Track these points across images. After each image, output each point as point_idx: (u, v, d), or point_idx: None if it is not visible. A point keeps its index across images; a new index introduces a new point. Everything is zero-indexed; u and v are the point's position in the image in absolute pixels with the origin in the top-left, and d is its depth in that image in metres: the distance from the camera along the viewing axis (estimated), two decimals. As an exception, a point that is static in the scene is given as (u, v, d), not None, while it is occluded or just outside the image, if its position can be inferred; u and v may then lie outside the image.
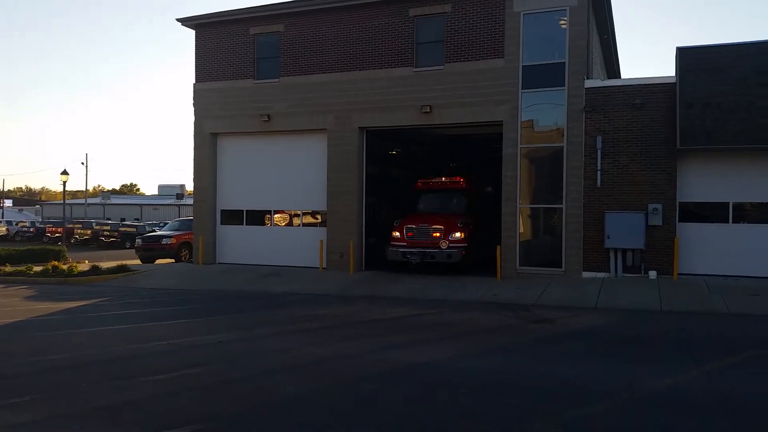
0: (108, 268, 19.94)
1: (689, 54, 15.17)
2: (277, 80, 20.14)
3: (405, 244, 17.28)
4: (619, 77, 25.60)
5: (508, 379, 7.24)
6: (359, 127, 18.88)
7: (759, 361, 8.06)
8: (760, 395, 6.48)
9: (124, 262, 21.57)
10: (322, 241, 19.27)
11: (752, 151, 15.02)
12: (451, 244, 16.79)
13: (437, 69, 17.82)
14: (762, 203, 15.40)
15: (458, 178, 18.83)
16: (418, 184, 19.30)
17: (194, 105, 21.64)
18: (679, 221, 15.64)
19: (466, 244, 16.99)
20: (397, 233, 17.55)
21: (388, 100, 18.35)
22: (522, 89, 16.82)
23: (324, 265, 19.13)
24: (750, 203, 15.53)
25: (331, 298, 14.79)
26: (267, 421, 5.78)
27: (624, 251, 15.86)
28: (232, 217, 21.46)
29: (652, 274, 15.46)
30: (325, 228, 19.55)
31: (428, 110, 17.66)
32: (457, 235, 16.93)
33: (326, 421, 5.77)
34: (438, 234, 16.94)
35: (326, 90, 19.23)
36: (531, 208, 17.04)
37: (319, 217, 20.25)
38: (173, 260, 24.57)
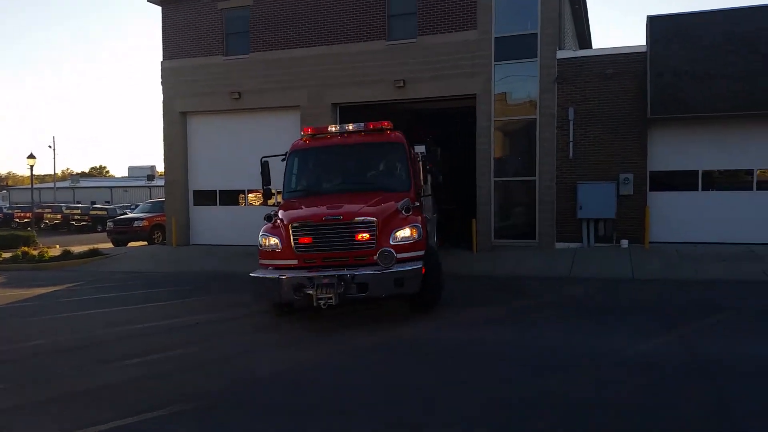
0: (79, 253, 19.57)
1: (659, 22, 15.26)
2: (247, 56, 19.75)
3: (295, 261, 8.48)
4: (591, 47, 25.68)
5: (489, 348, 7.34)
6: (332, 103, 18.66)
7: (729, 324, 8.28)
8: (734, 355, 6.67)
9: (95, 246, 21.18)
10: (297, 220, 19.11)
11: (721, 119, 15.26)
12: (397, 254, 8.24)
13: (410, 42, 17.64)
14: (730, 170, 15.73)
15: (384, 124, 10.14)
16: (301, 142, 10.42)
17: (162, 84, 21.15)
18: (650, 190, 15.89)
19: (423, 251, 8.70)
20: (274, 239, 8.58)
21: (360, 75, 18.15)
22: (495, 61, 16.77)
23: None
24: (718, 171, 15.84)
25: None
26: (246, 401, 5.77)
27: (596, 221, 16.10)
28: (206, 197, 21.18)
29: (624, 243, 15.74)
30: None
31: (402, 84, 17.52)
32: (406, 233, 8.47)
33: (312, 400, 5.79)
34: (366, 234, 8.32)
35: (298, 65, 18.93)
36: (505, 181, 17.13)
37: (297, 196, 20.00)
38: (146, 243, 24.23)
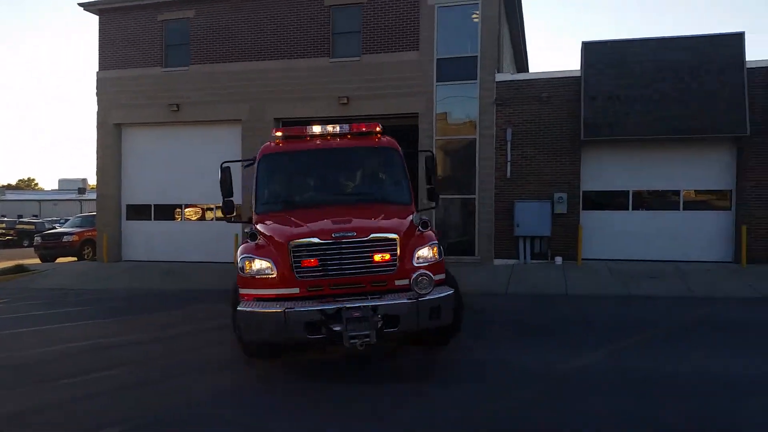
0: (4, 269, 18.50)
1: (593, 48, 15.95)
2: (187, 68, 19.39)
3: (295, 289, 6.72)
4: (528, 71, 26.57)
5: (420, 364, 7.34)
6: (275, 118, 18.52)
7: (656, 340, 8.57)
8: (662, 370, 6.86)
9: (21, 262, 20.13)
10: (237, 236, 18.77)
11: (649, 142, 16.02)
12: (422, 279, 6.57)
13: (354, 60, 17.77)
14: (658, 191, 16.50)
15: (374, 127, 8.56)
16: (273, 146, 8.50)
17: (98, 94, 20.48)
18: (583, 209, 16.47)
19: (444, 274, 7.22)
20: (264, 262, 6.84)
21: (304, 91, 18.11)
22: (437, 82, 17.10)
23: (240, 260, 18.59)
24: (647, 191, 16.59)
25: None
26: (187, 422, 5.57)
27: (532, 239, 16.53)
28: (139, 212, 20.51)
29: (558, 260, 16.21)
30: (240, 222, 19.00)
31: (345, 102, 17.59)
32: (428, 253, 7.00)
33: (241, 420, 5.62)
34: (386, 254, 6.81)
35: (240, 79, 18.72)
36: (446, 198, 17.38)
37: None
38: (76, 259, 23.17)
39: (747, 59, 14.91)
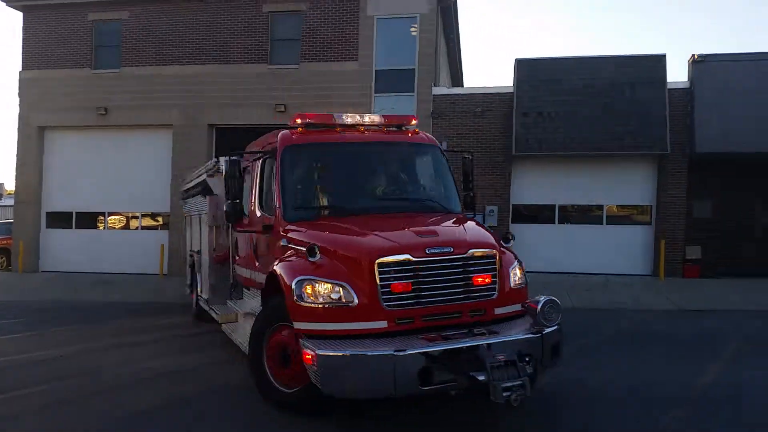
0: None
1: (526, 65, 16.52)
2: (117, 71, 18.74)
3: (383, 323, 5.17)
4: (463, 85, 27.23)
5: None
6: (209, 124, 18.12)
7: (586, 350, 8.48)
8: (595, 380, 6.80)
9: None
10: (163, 246, 18.03)
11: (576, 158, 16.60)
12: (549, 308, 5.35)
13: (293, 68, 17.70)
14: (582, 206, 17.08)
15: (412, 119, 7.47)
16: (296, 136, 6.73)
17: (20, 95, 19.47)
18: (512, 222, 16.81)
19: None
20: (340, 288, 5.23)
21: (240, 97, 17.83)
22: (375, 93, 17.23)
23: (165, 272, 17.87)
24: (572, 205, 17.16)
25: (174, 307, 13.26)
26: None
27: (467, 250, 16.64)
28: (60, 219, 19.43)
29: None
30: (167, 231, 18.35)
31: (283, 109, 17.41)
32: (519, 274, 5.94)
33: None
34: (487, 276, 5.54)
35: (173, 83, 18.23)
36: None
37: (160, 219, 19.00)
38: (-13, 269, 21.61)
39: (668, 80, 15.81)
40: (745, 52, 17.58)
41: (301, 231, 5.89)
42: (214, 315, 8.75)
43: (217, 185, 8.61)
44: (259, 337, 5.77)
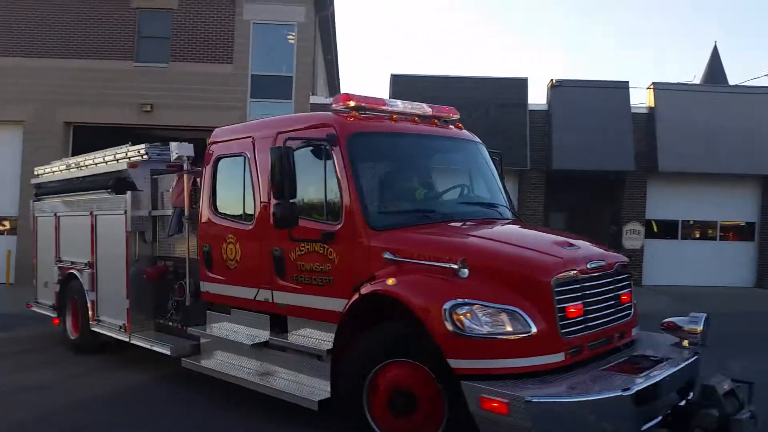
0: None
1: (401, 81, 17.02)
2: (-44, 60, 16.73)
3: (560, 356, 4.16)
4: (340, 96, 27.44)
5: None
6: (65, 122, 16.76)
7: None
8: None
9: None
10: (10, 252, 16.35)
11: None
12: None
13: (161, 66, 16.86)
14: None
15: (452, 112, 6.40)
16: (354, 121, 5.23)
17: None
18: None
19: None
20: (506, 315, 4.09)
21: (102, 95, 16.65)
22: (251, 98, 16.90)
23: (12, 281, 16.24)
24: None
25: (22, 318, 12.17)
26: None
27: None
28: None
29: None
30: (15, 236, 16.69)
31: (149, 109, 16.54)
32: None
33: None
34: (629, 294, 4.97)
35: (24, 77, 16.62)
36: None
37: (7, 223, 17.28)
38: None
39: (530, 101, 17.05)
40: (595, 79, 19.41)
41: (421, 241, 4.71)
42: (158, 349, 6.65)
43: (140, 178, 7.28)
44: (359, 379, 4.47)
